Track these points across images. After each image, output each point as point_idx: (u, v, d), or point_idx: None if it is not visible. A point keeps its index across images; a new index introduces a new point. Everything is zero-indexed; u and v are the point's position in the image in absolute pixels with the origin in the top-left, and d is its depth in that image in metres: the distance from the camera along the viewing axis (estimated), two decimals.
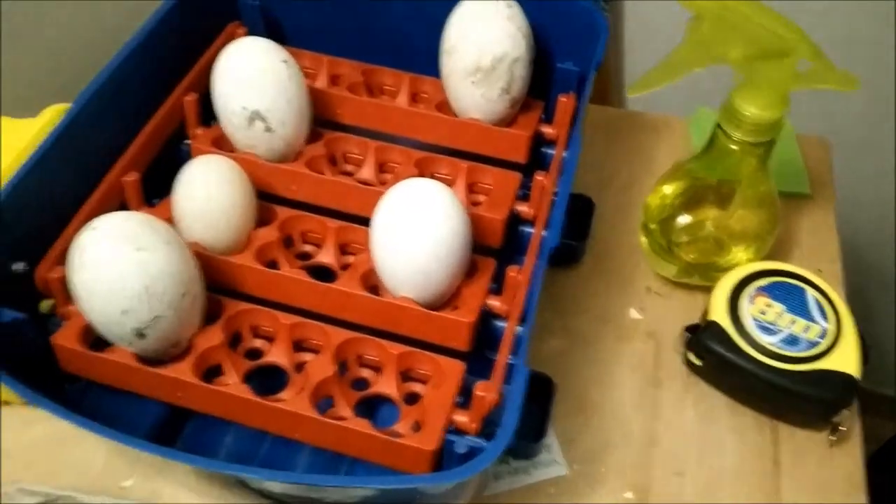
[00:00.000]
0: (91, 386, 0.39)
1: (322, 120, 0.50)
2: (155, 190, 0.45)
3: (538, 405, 0.43)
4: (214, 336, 0.39)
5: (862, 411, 0.46)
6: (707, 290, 0.48)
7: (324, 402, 0.38)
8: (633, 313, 0.50)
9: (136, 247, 0.34)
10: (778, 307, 0.44)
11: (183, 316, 0.37)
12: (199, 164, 0.42)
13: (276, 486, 0.38)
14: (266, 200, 0.45)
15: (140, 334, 0.35)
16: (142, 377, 0.37)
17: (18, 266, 0.38)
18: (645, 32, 0.85)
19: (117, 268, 0.34)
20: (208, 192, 0.41)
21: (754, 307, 0.44)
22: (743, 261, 0.49)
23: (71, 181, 0.41)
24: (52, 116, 0.45)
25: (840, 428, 0.43)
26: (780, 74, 0.40)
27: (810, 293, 0.45)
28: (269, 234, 0.43)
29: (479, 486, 0.39)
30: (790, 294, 0.45)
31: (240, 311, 0.41)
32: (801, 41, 0.39)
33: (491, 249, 0.45)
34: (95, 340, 0.38)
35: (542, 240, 0.42)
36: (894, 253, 0.97)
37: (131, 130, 0.45)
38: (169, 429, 0.41)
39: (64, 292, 0.39)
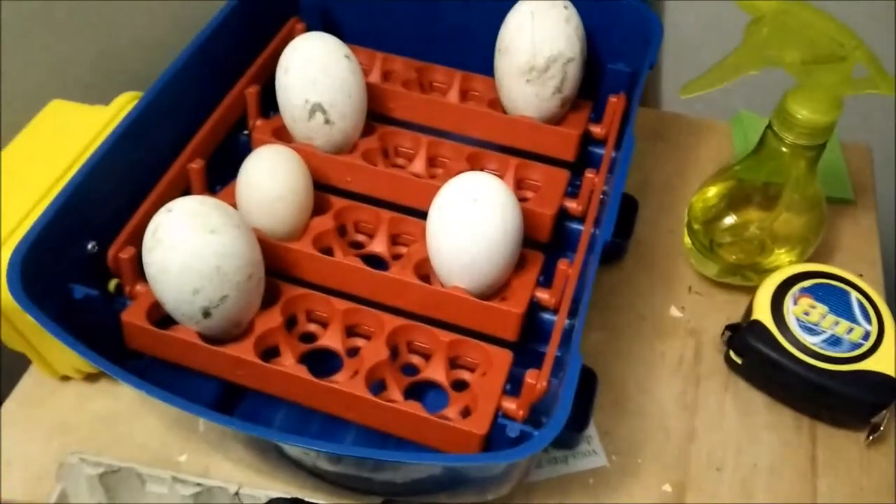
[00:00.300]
0: (150, 364, 0.40)
1: (375, 114, 0.51)
2: (216, 177, 0.47)
3: (581, 397, 0.44)
4: (273, 318, 0.41)
5: None
6: (747, 290, 0.49)
7: (375, 385, 0.39)
8: (674, 311, 0.51)
9: (209, 229, 0.36)
10: (821, 308, 0.45)
11: (247, 297, 0.38)
12: (264, 153, 0.43)
13: (327, 464, 0.39)
14: (322, 190, 0.47)
15: (207, 313, 0.37)
16: (205, 355, 0.39)
17: (92, 246, 0.40)
18: (680, 33, 0.86)
19: (192, 247, 0.35)
20: (270, 180, 0.42)
21: (798, 308, 0.45)
22: (785, 263, 0.49)
23: (140, 167, 0.43)
24: (123, 104, 0.47)
25: (879, 429, 0.43)
26: (835, 79, 0.40)
27: (854, 295, 0.45)
28: (324, 222, 0.45)
29: (523, 472, 0.40)
30: (834, 296, 0.45)
31: (296, 296, 0.42)
32: (858, 47, 0.40)
33: (538, 244, 0.46)
34: (161, 319, 0.40)
35: (593, 236, 0.43)
36: None
37: (197, 120, 0.47)
38: (222, 407, 0.43)
39: (133, 272, 0.41)
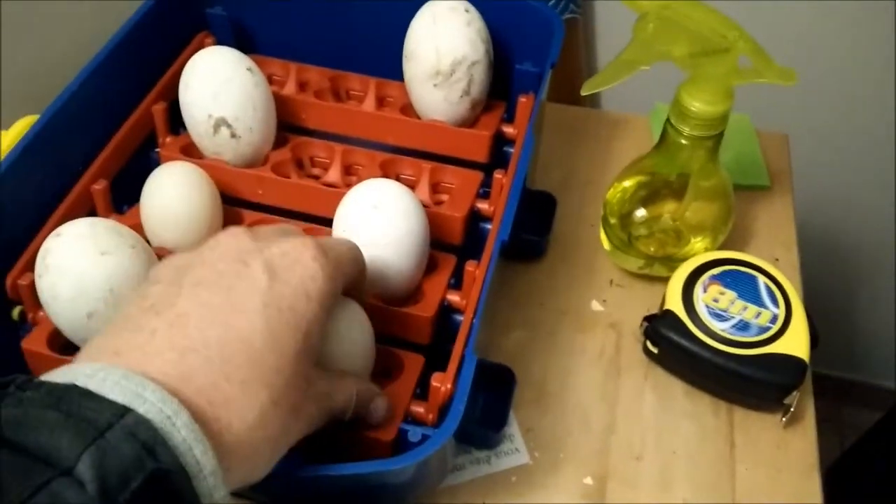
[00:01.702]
0: None
1: (290, 125, 0.51)
2: (126, 197, 0.46)
3: (499, 396, 0.44)
4: None
5: (838, 400, 0.47)
6: (667, 281, 0.50)
7: None
8: (595, 305, 0.52)
9: (100, 251, 0.36)
10: (730, 294, 0.46)
11: None
12: (163, 171, 0.43)
13: None
14: (235, 205, 0.47)
15: None
16: None
17: None
18: (617, 33, 0.87)
19: (82, 271, 0.35)
20: (172, 197, 0.42)
21: (707, 295, 0.46)
22: (701, 251, 0.50)
23: (41, 189, 0.43)
24: (22, 128, 0.46)
25: (791, 410, 0.44)
26: (722, 70, 0.41)
27: (762, 280, 0.46)
28: None
29: (437, 475, 0.41)
30: (742, 281, 0.46)
31: None
32: (740, 38, 0.41)
33: (453, 246, 0.46)
34: (66, 345, 0.39)
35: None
36: (851, 240, 0.99)
37: (101, 139, 0.47)
38: None
39: (33, 298, 0.40)
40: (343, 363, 0.35)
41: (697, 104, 0.42)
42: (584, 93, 0.44)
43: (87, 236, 0.36)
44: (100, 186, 0.45)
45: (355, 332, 0.36)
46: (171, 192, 0.42)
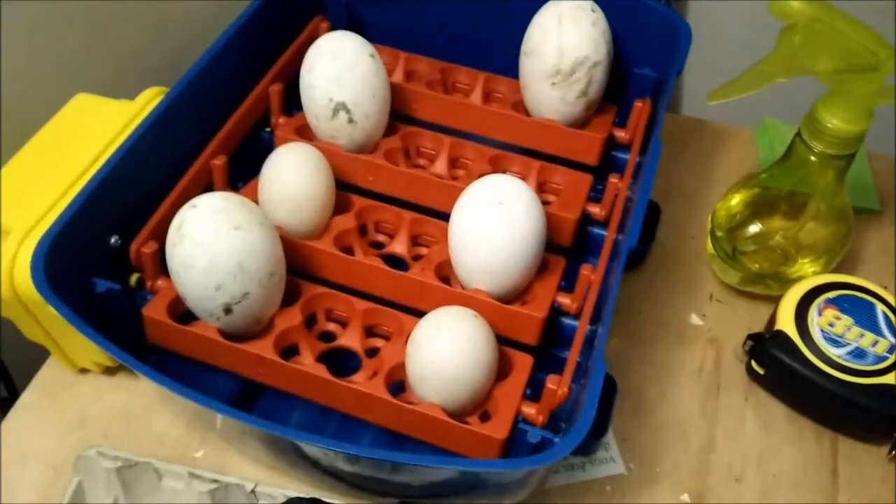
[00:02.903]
0: (170, 360, 0.40)
1: (398, 114, 0.51)
2: (238, 174, 0.47)
3: (601, 403, 0.44)
4: (293, 317, 0.40)
5: None
6: (769, 300, 0.49)
7: (394, 387, 0.39)
8: (695, 319, 0.51)
9: (233, 225, 0.36)
10: (847, 320, 0.44)
11: (268, 295, 0.38)
12: (287, 151, 0.43)
13: (345, 464, 0.39)
14: (344, 189, 0.47)
15: (228, 310, 0.37)
16: (224, 351, 0.39)
17: (115, 240, 0.40)
18: (703, 35, 0.85)
19: (216, 244, 0.35)
20: (294, 178, 0.42)
21: (822, 319, 0.44)
22: (809, 273, 0.49)
23: (164, 163, 0.43)
24: (149, 99, 0.47)
25: None
26: (868, 88, 0.40)
27: (880, 308, 0.45)
28: (346, 221, 0.45)
29: (540, 479, 0.40)
30: (859, 308, 0.45)
31: (316, 295, 0.42)
32: (891, 57, 0.39)
33: (560, 248, 0.46)
34: (181, 315, 0.40)
35: (616, 241, 0.43)
36: None
37: (221, 117, 0.47)
38: (241, 404, 0.43)
39: (154, 267, 0.41)
40: None
41: (835, 121, 0.41)
42: (710, 101, 0.43)
43: (223, 210, 0.36)
44: (219, 162, 0.45)
45: None
46: (294, 173, 0.42)
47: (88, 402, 0.46)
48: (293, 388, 0.39)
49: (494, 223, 0.40)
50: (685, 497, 0.43)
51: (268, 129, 0.51)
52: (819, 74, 0.40)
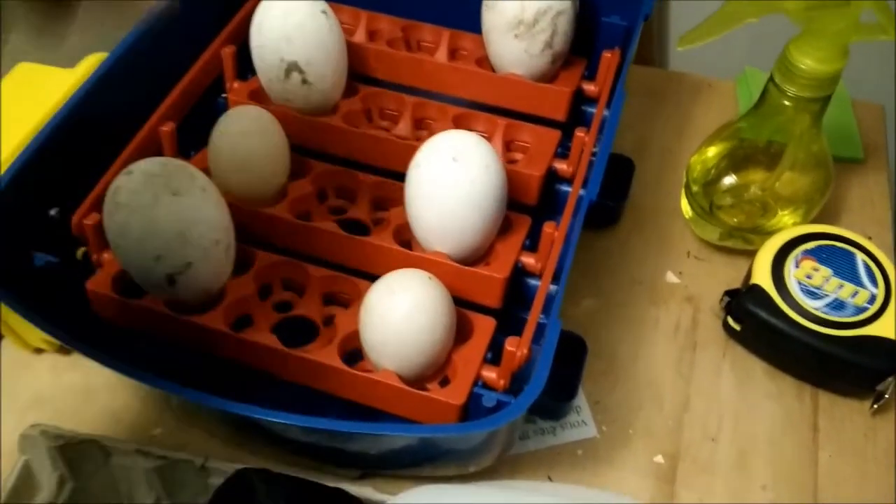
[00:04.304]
0: (129, 335, 0.39)
1: (358, 75, 0.49)
2: (191, 141, 0.45)
3: (569, 365, 0.42)
4: (245, 286, 0.39)
5: None
6: (749, 254, 0.47)
7: (351, 355, 0.38)
8: (671, 277, 0.49)
9: (171, 191, 0.34)
10: (825, 271, 0.42)
11: (215, 264, 0.37)
12: (233, 114, 0.41)
13: (301, 436, 0.38)
14: (301, 154, 0.45)
15: (172, 280, 0.35)
16: (172, 325, 0.37)
17: (53, 212, 0.39)
18: None
19: (152, 211, 0.34)
20: (242, 142, 0.40)
21: (800, 271, 0.43)
22: (789, 225, 0.47)
23: (108, 130, 0.42)
24: (92, 65, 0.45)
25: (885, 396, 0.41)
26: (841, 24, 0.38)
27: (860, 257, 0.43)
28: (302, 187, 0.43)
29: (504, 443, 0.39)
30: (838, 258, 0.43)
31: (271, 263, 0.41)
32: None
33: (527, 207, 0.44)
34: (129, 288, 0.38)
35: (580, 197, 0.41)
36: None
37: (169, 82, 0.45)
38: (197, 377, 0.41)
39: (99, 239, 0.39)
40: None
41: (809, 62, 0.39)
42: (680, 47, 0.41)
43: (160, 175, 0.34)
44: (167, 128, 0.43)
45: None
46: (241, 137, 0.40)
47: (46, 382, 0.45)
48: (244, 359, 0.38)
49: (450, 181, 0.38)
50: (658, 458, 0.42)
51: (224, 95, 0.49)
52: (789, 12, 0.38)
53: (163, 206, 0.34)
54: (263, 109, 0.43)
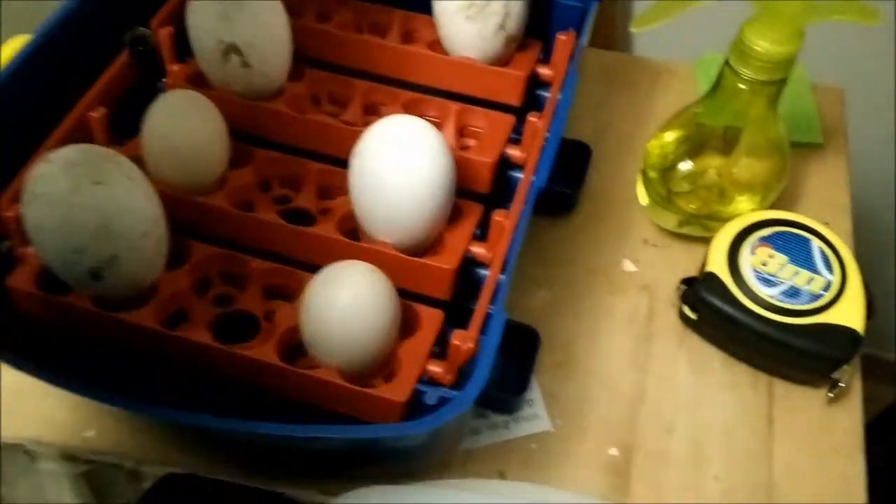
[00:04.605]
0: (57, 336, 0.37)
1: (306, 58, 0.47)
2: (128, 128, 0.43)
3: (522, 358, 0.41)
4: (180, 280, 0.37)
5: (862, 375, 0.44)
6: (707, 242, 0.46)
7: (292, 351, 0.36)
8: (628, 265, 0.48)
9: (92, 180, 0.32)
10: (780, 258, 0.42)
11: (144, 257, 0.35)
12: (166, 99, 0.39)
13: (239, 436, 0.36)
14: (244, 141, 0.43)
15: (96, 275, 0.34)
16: (100, 323, 0.35)
17: None
18: None
19: (72, 201, 0.32)
20: (175, 128, 0.38)
21: (755, 258, 0.42)
22: (746, 211, 0.46)
23: (33, 116, 0.39)
24: (14, 48, 0.43)
25: (839, 384, 0.41)
26: (796, 6, 0.37)
27: (816, 244, 0.42)
28: (243, 175, 0.41)
29: (452, 439, 0.38)
30: (794, 245, 0.42)
31: (208, 256, 0.39)
32: None
33: (480, 195, 0.43)
34: (57, 284, 0.36)
35: (531, 184, 0.39)
36: None
37: (102, 64, 0.43)
38: (127, 379, 0.40)
39: (21, 232, 0.37)
40: None
41: (764, 43, 0.38)
42: (634, 29, 0.40)
43: (80, 163, 0.32)
44: (97, 114, 0.41)
45: None
46: (175, 123, 0.38)
47: None
48: (179, 358, 0.36)
49: (394, 169, 0.36)
50: (613, 451, 0.41)
51: (164, 80, 0.47)
52: None
53: (83, 196, 0.32)
54: (199, 93, 0.41)
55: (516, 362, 0.40)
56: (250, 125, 0.44)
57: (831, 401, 0.42)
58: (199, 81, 0.44)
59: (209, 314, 0.37)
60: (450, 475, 0.39)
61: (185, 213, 0.39)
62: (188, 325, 0.37)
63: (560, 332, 0.45)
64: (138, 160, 0.40)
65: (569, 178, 0.49)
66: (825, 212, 0.50)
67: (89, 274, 0.33)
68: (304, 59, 0.47)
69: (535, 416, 0.42)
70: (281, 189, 0.43)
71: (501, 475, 0.40)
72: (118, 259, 0.33)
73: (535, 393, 0.42)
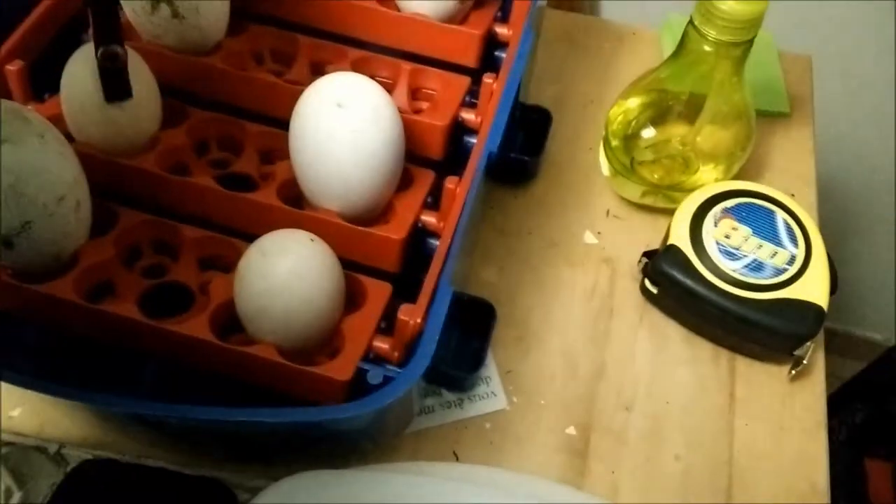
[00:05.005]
0: None
1: (246, 12, 0.44)
2: (51, 85, 0.39)
3: (476, 333, 0.39)
4: (104, 249, 0.34)
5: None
6: (670, 213, 0.44)
7: (228, 326, 0.34)
8: (589, 237, 0.46)
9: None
10: (744, 230, 0.40)
11: (62, 224, 0.32)
12: (86, 51, 0.36)
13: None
14: (178, 98, 0.40)
15: (7, 243, 0.30)
16: (14, 295, 0.32)
17: None
18: None
19: None
20: (96, 83, 0.35)
21: (718, 230, 0.40)
22: (710, 181, 0.44)
23: None
24: None
25: (803, 362, 0.39)
26: None
27: (780, 216, 0.41)
28: (176, 136, 0.38)
29: (403, 418, 0.36)
30: (759, 216, 0.41)
31: (138, 223, 0.36)
32: None
33: (433, 161, 0.40)
34: None
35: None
36: (867, 180, 0.93)
37: (20, 14, 0.39)
38: (51, 352, 0.37)
39: None
40: None
41: (729, 2, 0.36)
42: None
43: None
44: (14, 67, 0.37)
45: None
46: (95, 77, 0.35)
47: None
48: (103, 334, 0.33)
49: (335, 129, 0.34)
50: (570, 430, 0.39)
51: (87, 30, 0.43)
52: None
53: None
54: (126, 47, 0.37)
55: (471, 337, 0.38)
56: (185, 82, 0.40)
57: (794, 378, 0.41)
58: (128, 35, 0.41)
59: (138, 286, 0.35)
60: (401, 457, 0.37)
61: (111, 176, 0.36)
62: (114, 298, 0.34)
63: (518, 307, 0.43)
64: (60, 118, 0.36)
65: (528, 145, 0.47)
66: (790, 183, 0.49)
67: (1, 242, 0.30)
68: (245, 13, 0.43)
69: (491, 394, 0.40)
70: (219, 152, 0.40)
71: (455, 456, 0.38)
72: (32, 225, 0.30)
73: (491, 370, 0.40)
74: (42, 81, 0.39)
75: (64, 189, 0.31)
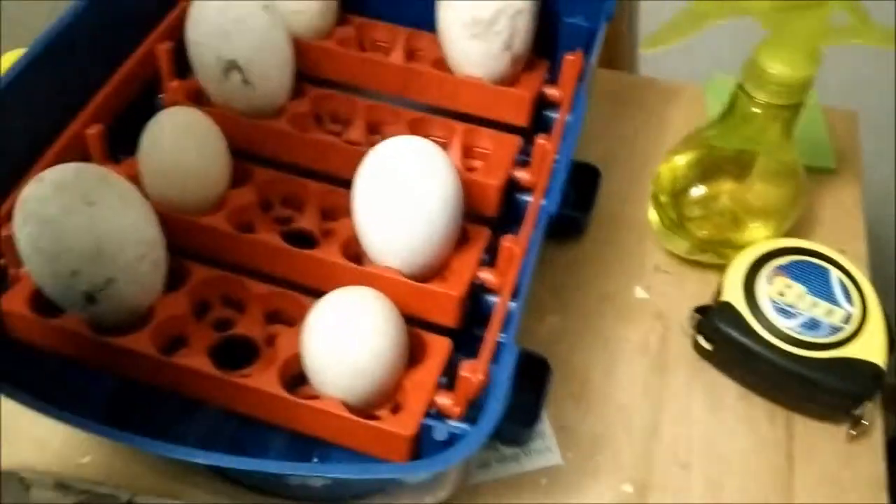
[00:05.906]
0: (53, 361, 0.35)
1: (308, 76, 0.46)
2: (126, 147, 0.42)
3: (532, 388, 0.40)
4: (178, 304, 0.36)
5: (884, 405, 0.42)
6: (720, 269, 0.45)
7: (295, 379, 0.35)
8: (639, 292, 0.47)
9: (86, 201, 0.31)
10: (798, 288, 0.40)
11: (140, 280, 0.33)
12: (164, 116, 0.38)
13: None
14: (244, 160, 0.42)
15: (91, 298, 0.32)
16: (94, 347, 0.34)
17: None
18: None
19: (63, 223, 0.30)
20: (175, 146, 0.37)
21: (772, 288, 0.40)
22: (760, 238, 0.45)
23: (27, 133, 0.38)
24: (10, 62, 0.41)
25: (862, 422, 0.39)
26: (811, 28, 0.36)
27: (834, 274, 0.41)
28: (243, 195, 0.40)
29: (461, 473, 0.36)
30: (812, 274, 0.41)
31: (208, 278, 0.37)
32: None
33: (486, 219, 0.41)
34: (49, 305, 0.35)
35: (541, 208, 0.38)
36: None
37: (99, 80, 0.42)
38: (123, 405, 0.38)
39: (15, 252, 0.35)
40: None
41: (778, 67, 0.37)
42: (644, 50, 0.39)
43: (72, 183, 0.31)
44: (94, 131, 0.40)
45: None
46: (173, 141, 0.37)
47: None
48: (175, 385, 0.34)
49: (397, 192, 0.35)
50: (627, 487, 0.39)
51: (163, 95, 0.45)
52: (757, 14, 0.36)
53: (75, 218, 0.30)
54: (198, 110, 0.40)
55: (527, 393, 0.39)
56: (251, 144, 0.42)
57: (853, 438, 0.40)
58: (198, 98, 0.43)
59: (208, 339, 0.36)
60: None
61: (184, 234, 0.38)
62: (186, 351, 0.35)
63: (571, 362, 0.43)
64: (136, 179, 0.38)
65: (578, 201, 0.48)
66: (841, 239, 0.49)
67: (83, 297, 0.32)
68: (306, 77, 0.45)
69: (546, 450, 0.40)
70: (282, 209, 0.42)
71: None
72: (114, 282, 0.32)
73: (545, 425, 0.41)
74: (116, 143, 0.41)
75: (143, 247, 0.33)
